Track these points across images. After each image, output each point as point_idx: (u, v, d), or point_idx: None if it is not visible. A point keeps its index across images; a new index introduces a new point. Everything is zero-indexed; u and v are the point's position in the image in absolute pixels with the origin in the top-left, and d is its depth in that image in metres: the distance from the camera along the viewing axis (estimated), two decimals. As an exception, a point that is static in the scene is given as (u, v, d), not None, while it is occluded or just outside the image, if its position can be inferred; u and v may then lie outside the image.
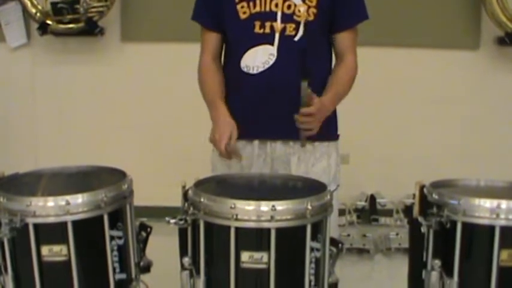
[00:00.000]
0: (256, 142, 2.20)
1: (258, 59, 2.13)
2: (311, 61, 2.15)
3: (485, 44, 3.23)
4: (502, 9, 3.05)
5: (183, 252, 1.82)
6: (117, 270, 1.83)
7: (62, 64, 3.30)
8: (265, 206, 1.67)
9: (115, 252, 1.82)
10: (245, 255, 1.68)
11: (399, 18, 3.19)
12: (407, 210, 1.96)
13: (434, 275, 1.81)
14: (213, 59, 2.24)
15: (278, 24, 2.12)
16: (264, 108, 2.15)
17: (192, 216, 1.76)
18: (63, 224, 1.73)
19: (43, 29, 3.12)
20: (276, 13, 2.12)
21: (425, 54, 3.23)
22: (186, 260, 1.79)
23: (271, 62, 2.12)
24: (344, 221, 3.23)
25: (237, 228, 1.67)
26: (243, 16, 2.14)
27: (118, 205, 1.83)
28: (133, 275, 1.91)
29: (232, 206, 1.67)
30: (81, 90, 3.31)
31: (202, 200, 1.73)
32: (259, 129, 2.18)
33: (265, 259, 1.67)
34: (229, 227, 1.67)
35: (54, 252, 1.74)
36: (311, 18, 2.13)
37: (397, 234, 3.23)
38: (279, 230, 1.67)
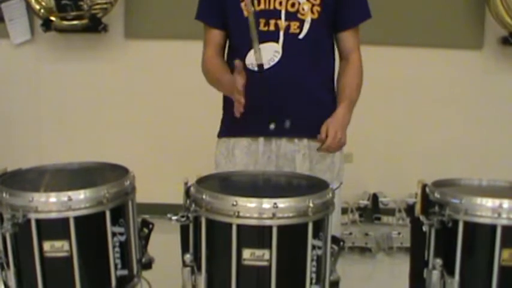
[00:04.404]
0: (261, 139, 2.19)
1: (264, 56, 2.11)
2: (315, 59, 2.16)
3: (489, 44, 3.24)
4: (506, 9, 3.05)
5: (184, 249, 1.82)
6: (119, 266, 1.83)
7: (65, 61, 3.31)
8: (267, 204, 1.66)
9: (117, 249, 1.82)
10: (247, 253, 1.68)
11: (403, 17, 3.19)
12: (410, 209, 1.95)
13: (436, 274, 1.81)
14: (216, 53, 2.24)
15: (282, 22, 2.12)
16: (269, 105, 2.14)
17: (194, 213, 1.76)
18: (65, 220, 1.72)
19: (47, 25, 3.13)
20: (280, 11, 2.12)
21: (429, 54, 3.23)
22: (188, 257, 1.79)
23: (276, 60, 2.12)
24: (346, 219, 3.25)
25: (238, 226, 1.67)
26: (247, 14, 2.14)
27: (120, 201, 1.83)
28: (134, 272, 1.91)
29: (234, 203, 1.67)
30: (85, 87, 3.32)
31: (204, 197, 1.72)
32: (264, 127, 2.18)
33: (266, 256, 1.67)
34: (231, 224, 1.67)
35: (56, 248, 1.73)
36: (315, 16, 2.13)
37: (399, 233, 3.24)
38: (280, 228, 1.67)
